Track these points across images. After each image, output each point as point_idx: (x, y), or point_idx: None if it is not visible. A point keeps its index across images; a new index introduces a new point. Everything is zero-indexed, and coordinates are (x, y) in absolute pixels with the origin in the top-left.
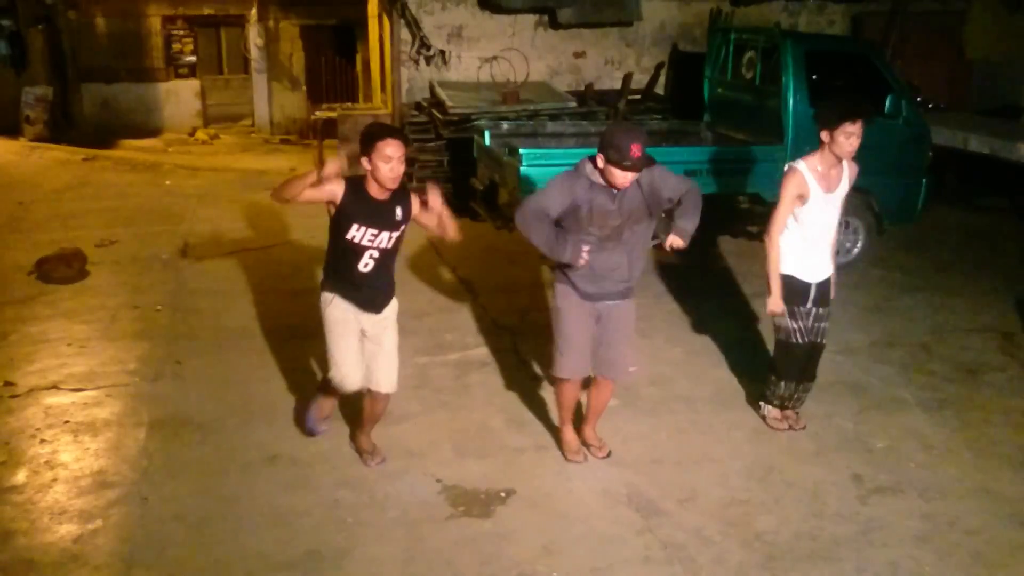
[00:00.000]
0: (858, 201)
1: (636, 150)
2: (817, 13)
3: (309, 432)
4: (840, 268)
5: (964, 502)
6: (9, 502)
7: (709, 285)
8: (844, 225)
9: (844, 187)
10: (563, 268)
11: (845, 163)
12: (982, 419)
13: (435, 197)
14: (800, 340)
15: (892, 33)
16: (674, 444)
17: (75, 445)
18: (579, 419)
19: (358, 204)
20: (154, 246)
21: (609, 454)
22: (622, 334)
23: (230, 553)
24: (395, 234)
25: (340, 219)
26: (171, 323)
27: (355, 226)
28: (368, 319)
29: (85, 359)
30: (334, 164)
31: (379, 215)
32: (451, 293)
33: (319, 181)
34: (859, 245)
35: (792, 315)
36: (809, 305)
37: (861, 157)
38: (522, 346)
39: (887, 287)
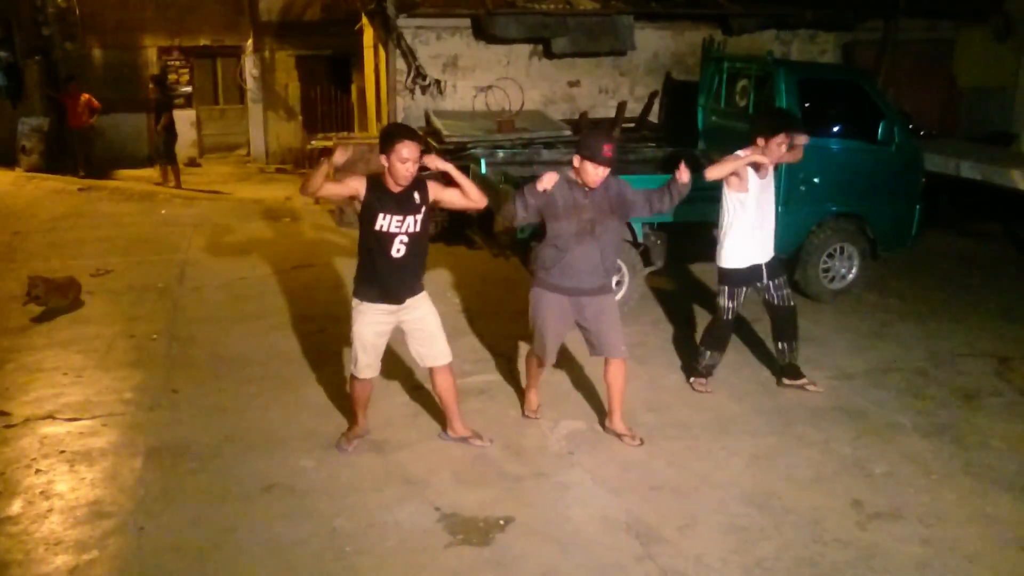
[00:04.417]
0: (852, 227)
1: (607, 150)
2: (809, 42)
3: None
4: (836, 293)
5: (964, 527)
6: (4, 533)
7: (706, 312)
8: (839, 251)
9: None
10: (540, 268)
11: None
12: (980, 444)
13: (437, 161)
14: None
15: (883, 61)
16: (673, 470)
17: (71, 475)
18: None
19: (380, 197)
20: (150, 275)
21: (642, 442)
22: (609, 324)
23: None
24: (419, 217)
25: (367, 213)
26: (167, 352)
27: (381, 215)
28: (403, 312)
29: (81, 388)
30: (342, 153)
31: (400, 203)
32: (448, 320)
33: (331, 167)
34: (854, 271)
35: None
36: None
37: (855, 183)
38: (520, 373)
39: (883, 313)
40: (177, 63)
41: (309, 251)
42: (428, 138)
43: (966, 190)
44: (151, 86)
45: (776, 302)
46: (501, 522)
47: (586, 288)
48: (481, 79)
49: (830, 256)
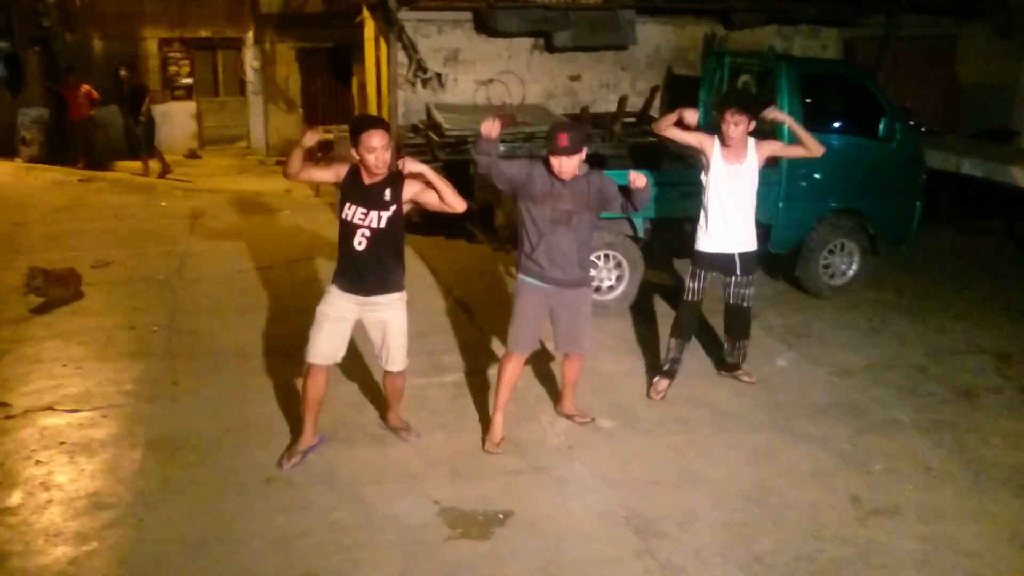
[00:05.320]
0: (853, 223)
1: (563, 139)
2: (811, 37)
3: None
4: (836, 290)
5: (962, 524)
6: (4, 524)
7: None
8: (839, 247)
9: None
10: (521, 253)
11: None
12: (979, 441)
13: (411, 163)
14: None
15: (885, 57)
16: (672, 465)
17: (71, 466)
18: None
19: (352, 186)
20: (150, 267)
21: (593, 420)
22: (581, 316)
23: None
24: (384, 214)
25: (340, 200)
26: (167, 343)
27: (347, 204)
28: (366, 306)
29: (81, 380)
30: (312, 135)
31: (368, 196)
32: (448, 314)
33: (303, 149)
34: (854, 267)
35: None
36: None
37: (855, 179)
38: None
39: (883, 309)
40: (178, 55)
41: (309, 244)
42: (429, 131)
43: (967, 187)
44: (123, 73)
45: (732, 300)
46: (500, 516)
47: (561, 279)
48: (482, 73)
49: (831, 252)
